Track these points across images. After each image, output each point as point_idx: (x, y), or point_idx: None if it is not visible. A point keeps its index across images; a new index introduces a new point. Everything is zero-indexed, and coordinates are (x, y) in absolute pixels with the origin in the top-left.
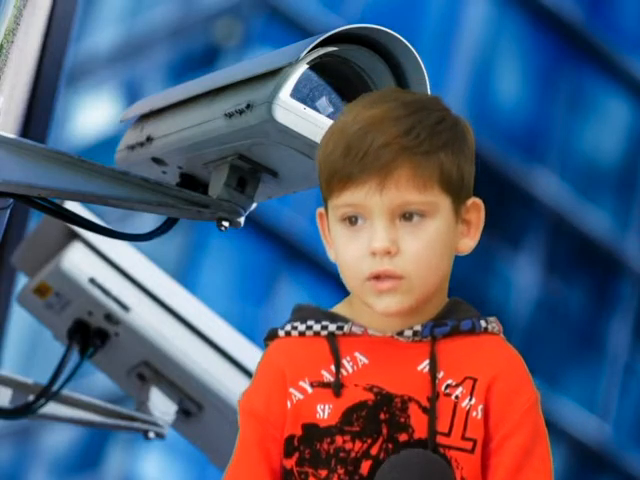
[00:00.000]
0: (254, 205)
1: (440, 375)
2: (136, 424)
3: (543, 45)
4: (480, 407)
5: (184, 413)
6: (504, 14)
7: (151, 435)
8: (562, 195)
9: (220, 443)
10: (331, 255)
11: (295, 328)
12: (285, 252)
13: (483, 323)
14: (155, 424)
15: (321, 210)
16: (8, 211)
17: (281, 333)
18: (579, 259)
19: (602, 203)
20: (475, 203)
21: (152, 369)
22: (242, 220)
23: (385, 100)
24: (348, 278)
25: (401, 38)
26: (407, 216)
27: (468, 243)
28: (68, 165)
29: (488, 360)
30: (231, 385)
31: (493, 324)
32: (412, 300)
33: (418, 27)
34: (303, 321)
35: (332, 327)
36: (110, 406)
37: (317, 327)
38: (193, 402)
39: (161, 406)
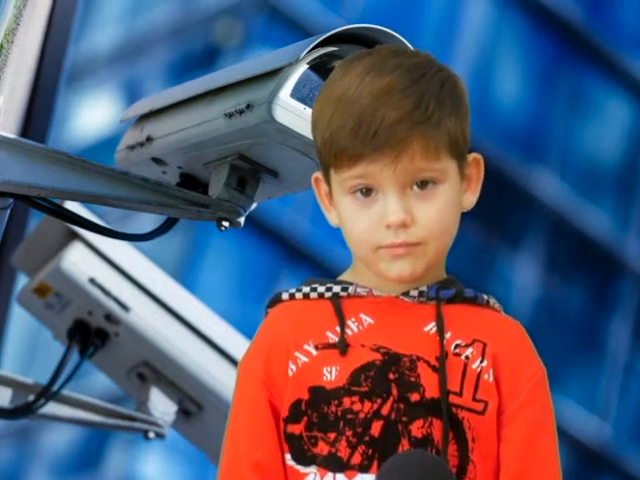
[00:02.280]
0: (254, 205)
1: (448, 335)
2: (136, 424)
3: (543, 45)
4: (491, 371)
5: (184, 413)
6: (504, 14)
7: (151, 435)
8: (562, 195)
9: (220, 443)
10: (331, 219)
11: (300, 290)
12: (285, 252)
13: (485, 296)
14: (155, 424)
15: (317, 175)
16: (8, 211)
17: (285, 296)
18: (579, 259)
19: (602, 203)
20: (475, 158)
21: (152, 369)
22: (242, 220)
23: (387, 67)
24: (358, 247)
25: (401, 38)
26: (419, 184)
27: (470, 198)
28: (68, 165)
29: (494, 329)
30: (231, 385)
31: (494, 300)
32: (425, 264)
33: (418, 27)
34: (307, 284)
35: (336, 288)
36: (110, 406)
37: (321, 289)
38: (193, 402)
39: (161, 406)
